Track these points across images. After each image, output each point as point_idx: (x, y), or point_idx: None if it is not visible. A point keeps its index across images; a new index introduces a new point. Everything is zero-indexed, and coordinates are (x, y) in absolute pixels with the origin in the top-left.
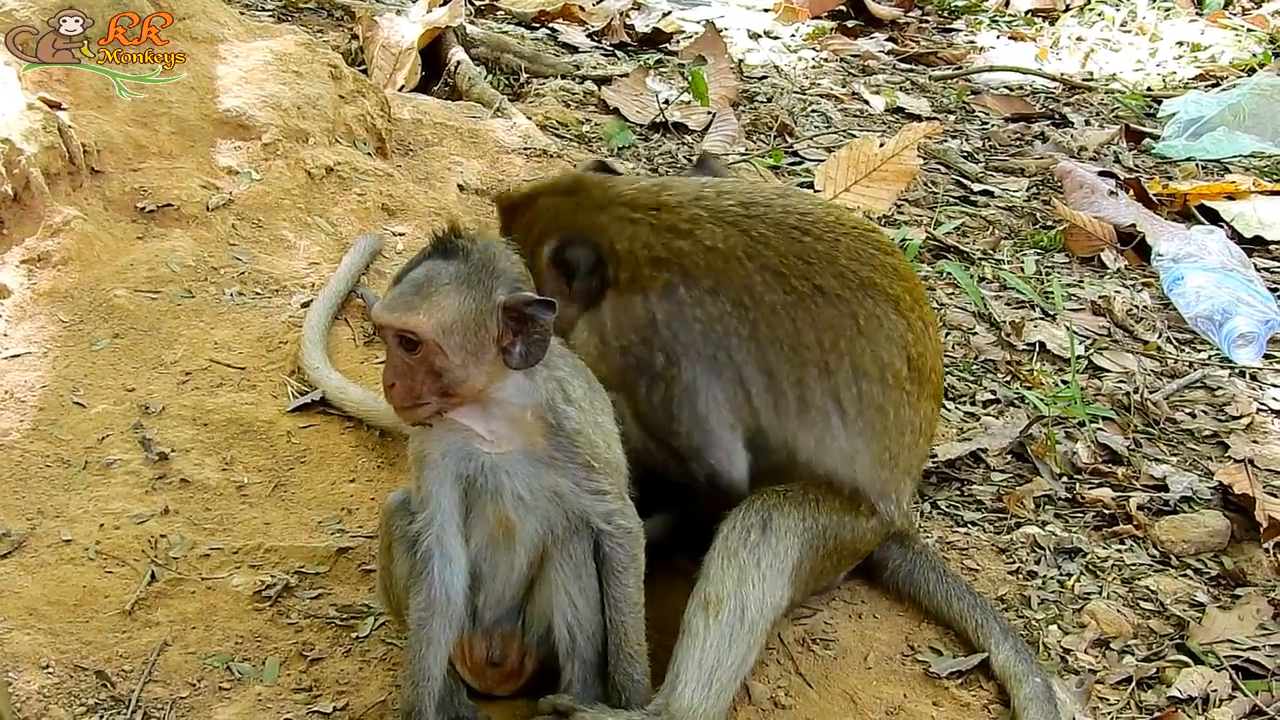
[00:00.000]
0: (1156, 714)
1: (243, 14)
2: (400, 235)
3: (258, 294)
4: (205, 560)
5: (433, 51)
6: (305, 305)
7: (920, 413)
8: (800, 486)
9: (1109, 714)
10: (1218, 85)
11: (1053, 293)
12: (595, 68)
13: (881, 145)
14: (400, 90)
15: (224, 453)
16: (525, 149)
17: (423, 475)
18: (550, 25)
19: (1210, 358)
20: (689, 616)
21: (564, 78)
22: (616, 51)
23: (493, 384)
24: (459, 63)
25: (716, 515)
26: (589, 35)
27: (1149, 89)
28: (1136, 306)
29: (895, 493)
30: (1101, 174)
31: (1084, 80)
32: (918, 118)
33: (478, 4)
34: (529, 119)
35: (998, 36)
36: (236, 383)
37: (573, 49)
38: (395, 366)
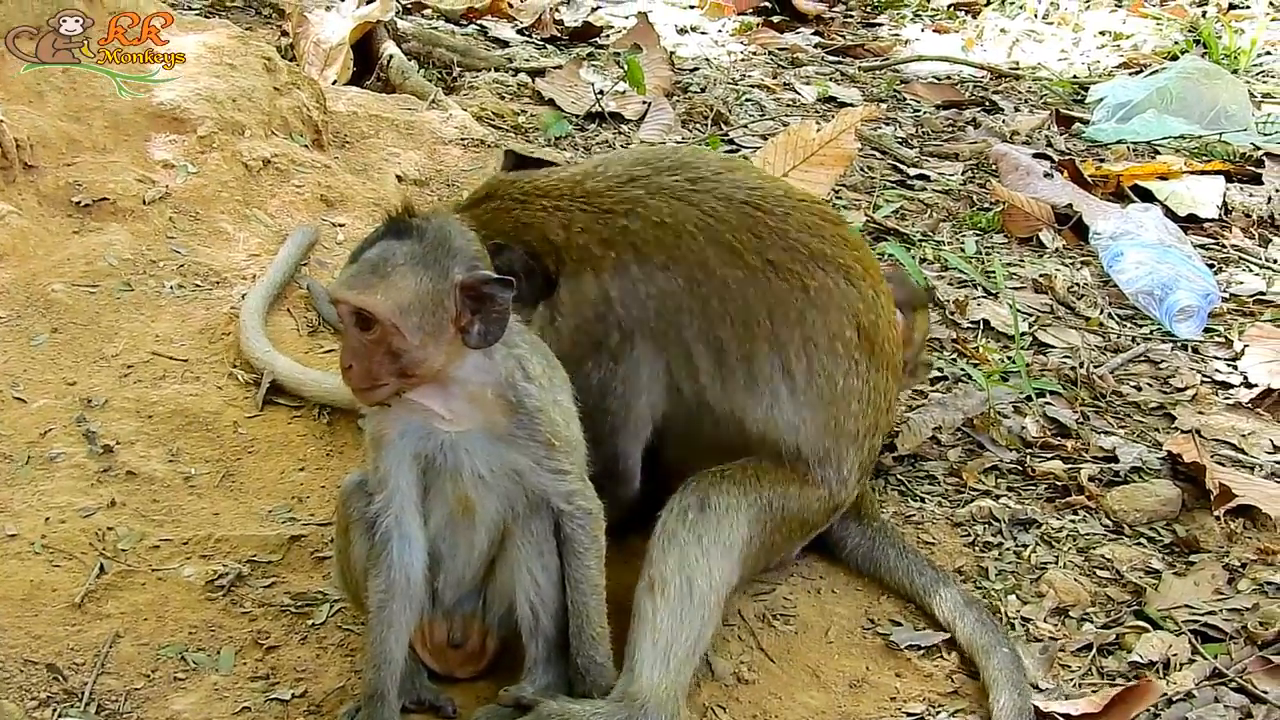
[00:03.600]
0: (1118, 679)
1: (172, 9)
2: (340, 226)
3: (198, 286)
4: (155, 552)
5: (364, 46)
6: (245, 297)
7: (870, 383)
8: (738, 465)
9: (1071, 680)
10: (1141, 72)
11: (994, 272)
12: (528, 60)
13: (819, 130)
14: (333, 85)
15: (170, 444)
16: (462, 139)
17: (380, 455)
18: (479, 21)
19: (1152, 332)
20: (637, 600)
21: (497, 70)
22: (547, 45)
23: (451, 363)
24: (391, 56)
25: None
26: (519, 31)
27: (1075, 77)
28: (1077, 284)
29: (838, 460)
30: (1036, 156)
31: (1011, 69)
32: (851, 106)
33: (405, 3)
34: (464, 110)
35: (922, 30)
36: (180, 375)
37: (503, 43)
38: (352, 348)
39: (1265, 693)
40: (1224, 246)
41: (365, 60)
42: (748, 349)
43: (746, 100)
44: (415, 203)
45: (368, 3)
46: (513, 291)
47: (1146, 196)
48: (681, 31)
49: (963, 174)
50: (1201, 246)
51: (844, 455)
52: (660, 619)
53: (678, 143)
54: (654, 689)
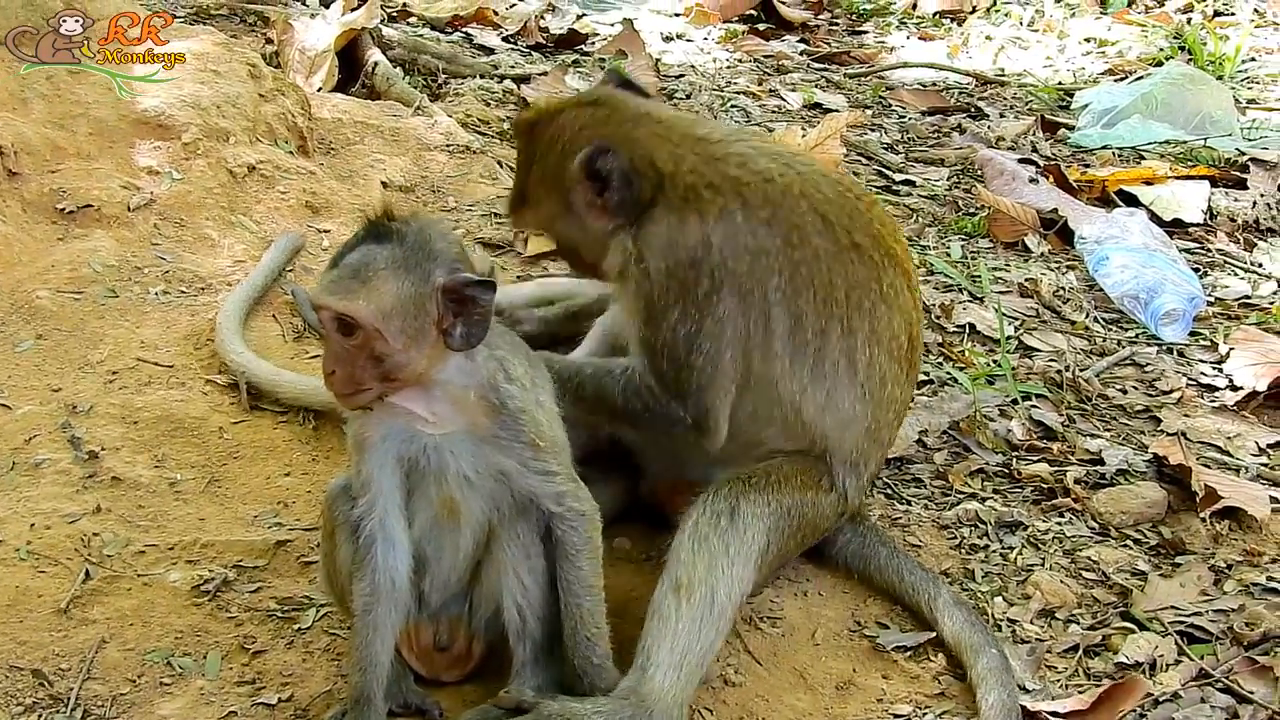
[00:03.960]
0: (1104, 680)
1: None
2: (325, 232)
3: (183, 292)
4: (140, 557)
5: (349, 54)
6: None
7: (904, 394)
8: (763, 470)
9: (1058, 681)
10: (1126, 79)
11: (980, 276)
12: (513, 67)
13: (805, 136)
14: (318, 92)
15: (155, 450)
16: (448, 145)
17: (362, 459)
18: (464, 29)
19: (1138, 336)
20: (659, 599)
21: (482, 77)
22: (532, 52)
23: (434, 366)
24: (376, 64)
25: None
26: (504, 38)
27: (1060, 83)
28: (1063, 288)
29: (865, 465)
30: (1021, 162)
31: (996, 75)
32: (836, 112)
33: (390, 11)
34: (449, 117)
35: (907, 37)
36: (165, 381)
37: (489, 50)
38: (335, 353)
39: (1251, 693)
40: (1209, 251)
41: (350, 67)
42: (823, 325)
43: (732, 106)
44: (398, 207)
45: (353, 10)
46: (494, 293)
47: (1131, 201)
48: (667, 39)
49: (948, 179)
50: (1186, 251)
51: (870, 460)
52: (681, 624)
53: None
54: (663, 694)
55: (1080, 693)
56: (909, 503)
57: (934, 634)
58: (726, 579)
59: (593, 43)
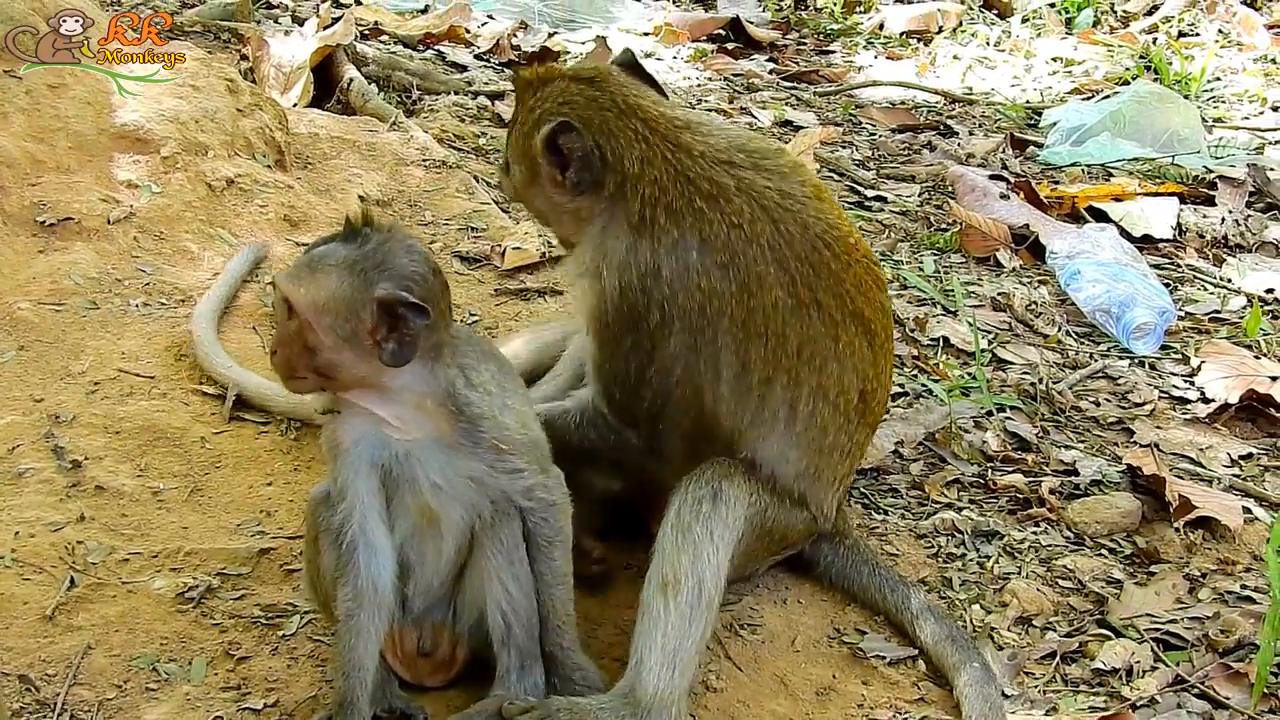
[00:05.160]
0: (1081, 686)
1: (132, 31)
2: (303, 246)
3: (163, 304)
4: (125, 565)
5: (323, 70)
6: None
7: (854, 438)
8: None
9: (1036, 687)
10: (1093, 98)
11: (953, 290)
12: (488, 84)
13: None
14: (294, 108)
15: (138, 459)
16: (424, 160)
17: (337, 464)
18: (436, 47)
19: (1110, 349)
20: (648, 598)
21: (457, 93)
22: (505, 69)
23: (382, 373)
24: (351, 80)
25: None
26: (476, 56)
27: (1028, 102)
28: (1035, 302)
29: (816, 501)
30: (992, 178)
31: (964, 94)
32: (808, 130)
33: (363, 29)
34: (425, 132)
35: (875, 57)
36: (147, 391)
37: (462, 68)
38: (279, 334)
39: (1227, 699)
40: (1179, 266)
41: (325, 84)
42: (768, 374)
43: None
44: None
45: (327, 27)
46: (426, 320)
47: (1101, 217)
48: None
49: (920, 195)
50: (1157, 266)
51: (821, 497)
52: (671, 621)
53: None
54: (658, 693)
55: (1056, 709)
56: (886, 512)
57: (915, 650)
58: (713, 567)
59: (564, 60)
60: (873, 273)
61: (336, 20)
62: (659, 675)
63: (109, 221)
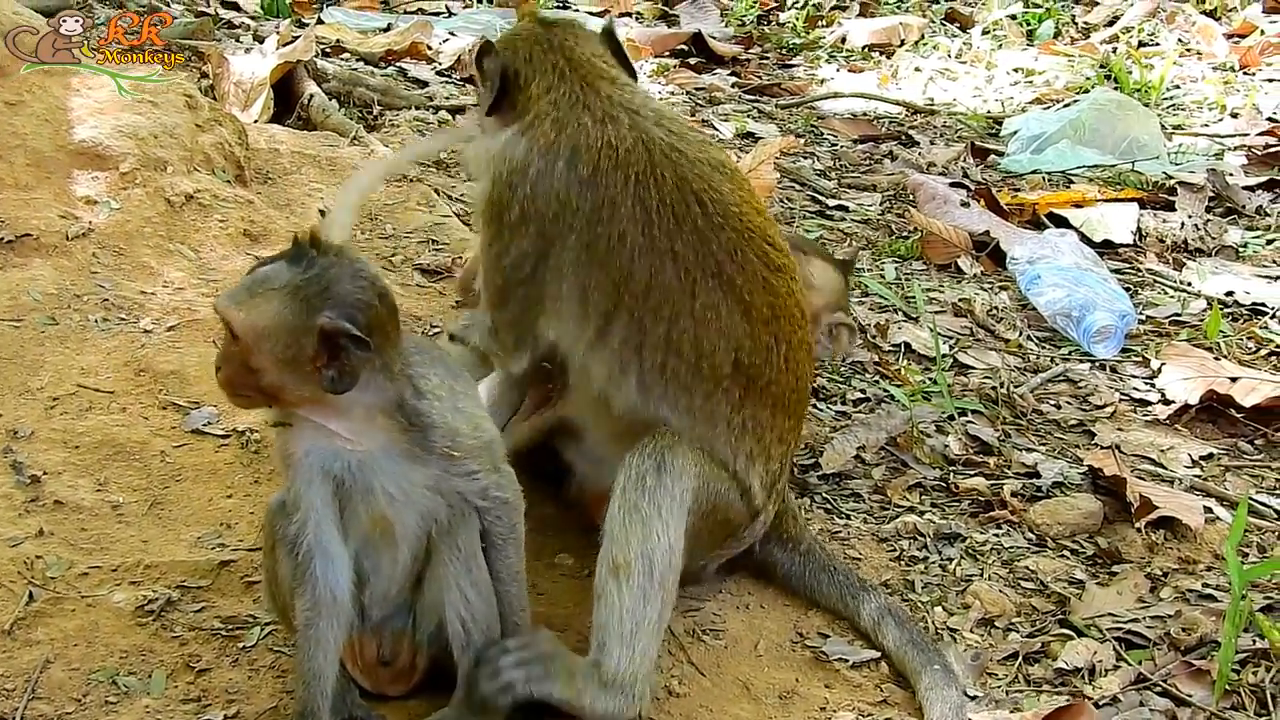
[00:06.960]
0: (1044, 686)
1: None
2: None
3: (123, 320)
4: (84, 579)
5: (284, 87)
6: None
7: (741, 413)
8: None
9: (999, 687)
10: (1054, 106)
11: (914, 297)
12: (449, 98)
13: (738, 162)
14: (254, 123)
15: (97, 474)
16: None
17: (290, 475)
18: (398, 63)
19: (1070, 353)
20: (600, 584)
21: (418, 109)
22: (467, 84)
23: (327, 394)
24: (312, 95)
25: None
26: (438, 72)
27: (989, 112)
28: (996, 307)
29: (741, 476)
30: (952, 186)
31: (926, 105)
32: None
33: (324, 46)
34: (386, 147)
35: (837, 70)
36: (106, 406)
37: (423, 84)
38: (223, 353)
39: (1189, 696)
40: (1139, 270)
41: (286, 100)
42: (608, 308)
43: None
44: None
45: (288, 44)
46: (368, 353)
47: (1062, 223)
48: None
49: (881, 204)
50: (1117, 270)
51: (743, 475)
52: (625, 604)
53: None
54: (619, 674)
55: (1024, 696)
56: (848, 516)
57: (878, 653)
58: (663, 545)
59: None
60: (760, 250)
61: (297, 37)
62: (620, 660)
63: (67, 238)
